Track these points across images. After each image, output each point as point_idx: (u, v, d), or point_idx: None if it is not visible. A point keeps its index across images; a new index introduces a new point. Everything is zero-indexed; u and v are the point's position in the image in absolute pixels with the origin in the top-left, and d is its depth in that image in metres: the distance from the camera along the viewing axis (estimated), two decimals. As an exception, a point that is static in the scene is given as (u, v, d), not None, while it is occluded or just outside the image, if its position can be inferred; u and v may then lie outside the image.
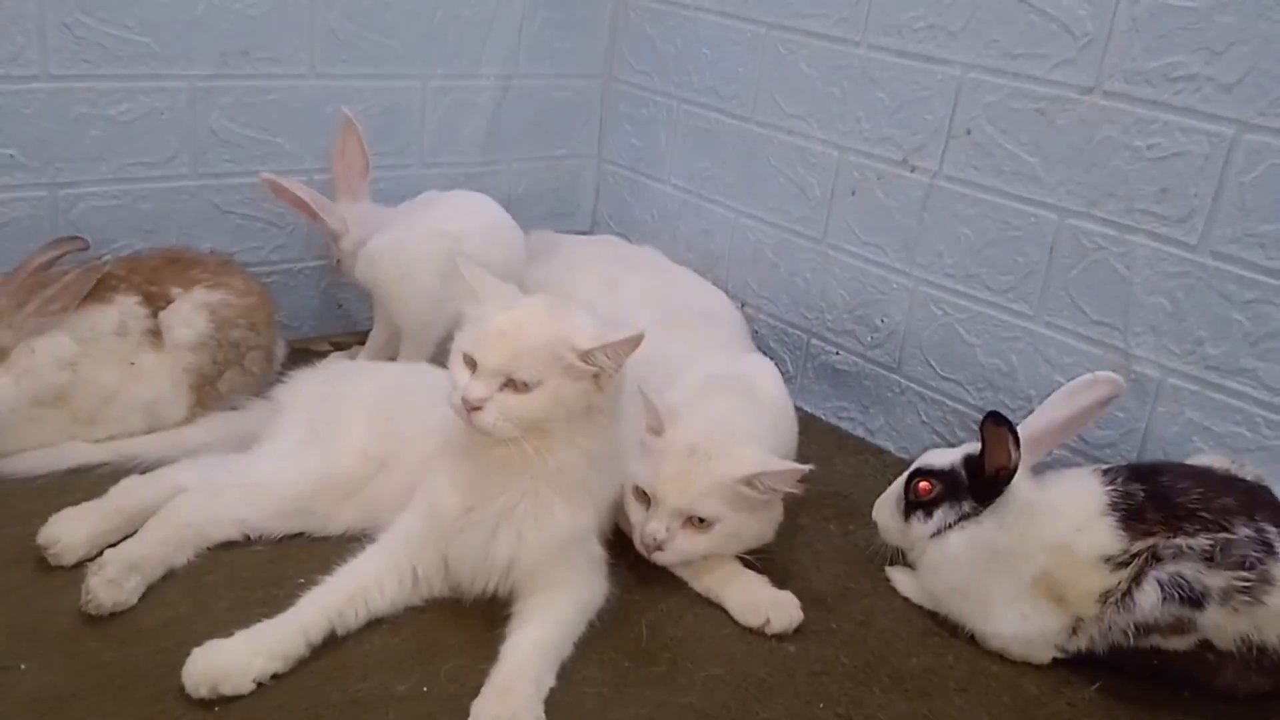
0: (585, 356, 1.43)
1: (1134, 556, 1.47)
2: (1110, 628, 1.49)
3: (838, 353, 2.25)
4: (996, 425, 1.54)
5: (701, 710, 1.44)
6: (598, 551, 1.59)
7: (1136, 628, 1.47)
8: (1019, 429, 1.56)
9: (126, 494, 1.62)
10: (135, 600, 1.48)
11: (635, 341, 1.43)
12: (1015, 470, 1.56)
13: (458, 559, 1.53)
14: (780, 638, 1.59)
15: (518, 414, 1.42)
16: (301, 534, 1.65)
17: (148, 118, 2.01)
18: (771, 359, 2.06)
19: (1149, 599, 1.45)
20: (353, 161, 2.12)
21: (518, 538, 1.50)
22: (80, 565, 1.52)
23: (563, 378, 1.43)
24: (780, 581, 1.66)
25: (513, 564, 1.51)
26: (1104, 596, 1.49)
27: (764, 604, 1.61)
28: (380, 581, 1.50)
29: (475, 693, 1.38)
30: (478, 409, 1.41)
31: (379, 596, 1.50)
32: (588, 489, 1.53)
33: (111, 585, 1.46)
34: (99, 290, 1.81)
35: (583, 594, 1.54)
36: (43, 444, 1.78)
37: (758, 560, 1.68)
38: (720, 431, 1.64)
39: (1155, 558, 1.46)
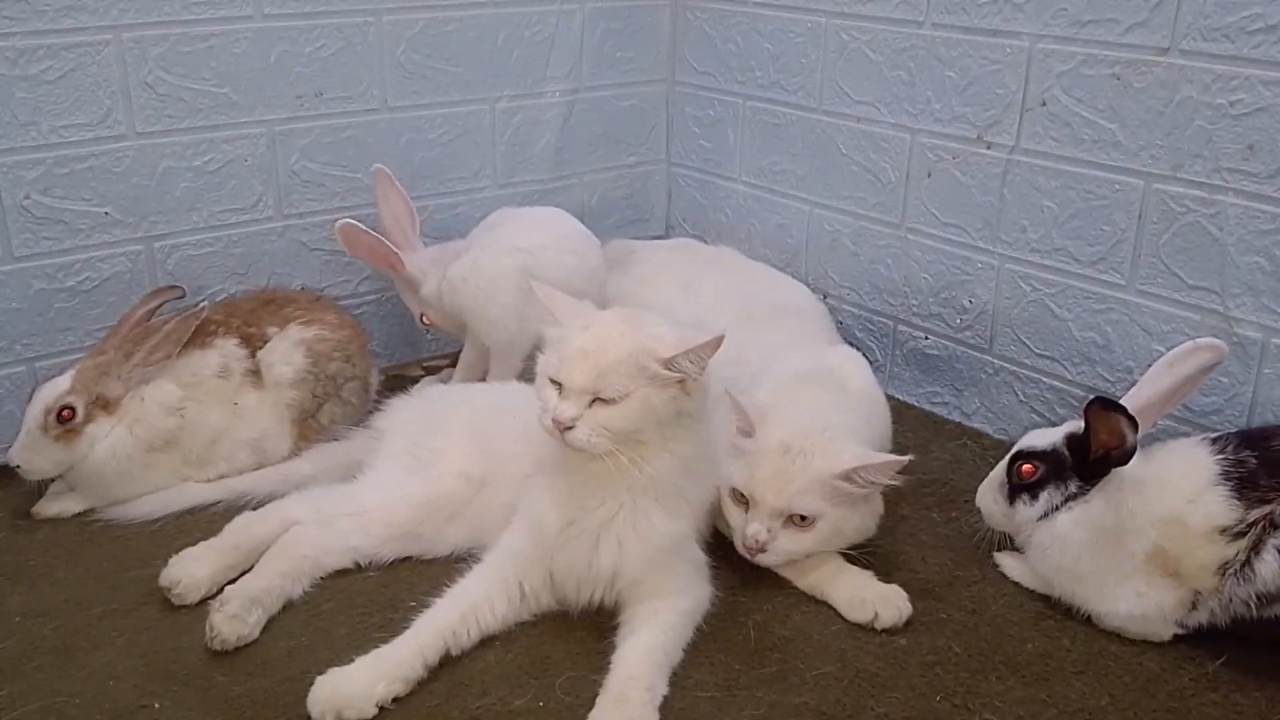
0: (668, 364, 1.44)
1: (1250, 525, 1.44)
2: (1231, 600, 1.46)
3: (926, 337, 2.23)
4: (1106, 410, 1.51)
5: (816, 709, 1.43)
6: (699, 555, 1.60)
7: (1258, 598, 1.43)
8: (1122, 403, 1.53)
9: (241, 531, 1.68)
10: (258, 633, 1.53)
11: (716, 343, 1.44)
12: (1132, 453, 1.51)
13: (562, 572, 1.55)
14: (890, 631, 1.58)
15: (610, 427, 1.44)
16: (410, 557, 1.69)
17: (232, 165, 2.08)
18: (858, 349, 2.05)
19: (1270, 568, 1.41)
20: (399, 212, 2.14)
21: (619, 548, 1.51)
22: (203, 603, 1.58)
23: (649, 387, 1.44)
24: (886, 574, 1.65)
25: (616, 574, 1.52)
26: (1222, 568, 1.45)
27: (871, 599, 1.60)
28: (490, 599, 1.53)
29: (590, 704, 1.40)
30: (570, 428, 1.43)
31: (489, 614, 1.53)
32: (683, 494, 1.55)
33: (234, 620, 1.51)
34: (199, 335, 1.88)
35: (688, 599, 1.55)
36: (158, 487, 1.86)
37: (861, 554, 1.67)
38: (813, 428, 1.63)
39: (1273, 525, 1.42)
